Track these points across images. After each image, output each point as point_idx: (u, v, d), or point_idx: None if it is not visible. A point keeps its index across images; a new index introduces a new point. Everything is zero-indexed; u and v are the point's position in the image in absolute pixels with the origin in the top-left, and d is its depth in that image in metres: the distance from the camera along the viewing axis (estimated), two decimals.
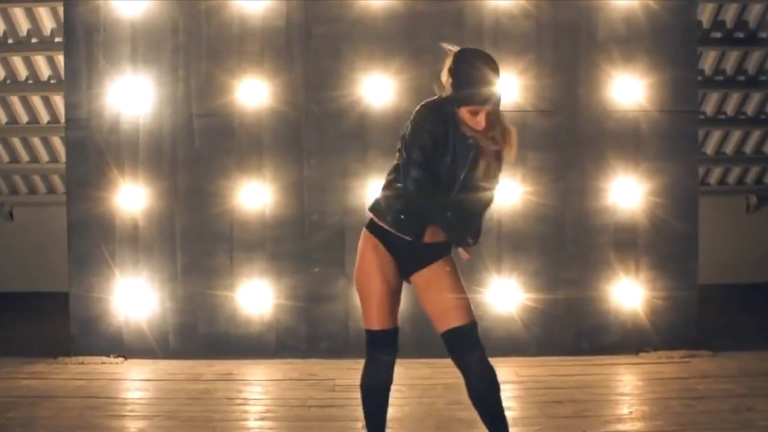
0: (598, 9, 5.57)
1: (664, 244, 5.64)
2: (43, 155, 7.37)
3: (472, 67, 3.22)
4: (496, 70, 3.25)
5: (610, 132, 5.60)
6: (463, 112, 3.22)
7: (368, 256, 3.36)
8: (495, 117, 3.25)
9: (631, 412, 4.52)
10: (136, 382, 5.26)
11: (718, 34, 6.98)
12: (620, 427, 4.29)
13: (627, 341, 5.62)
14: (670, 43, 5.60)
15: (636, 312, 5.62)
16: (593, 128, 5.61)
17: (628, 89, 5.57)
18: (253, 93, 5.57)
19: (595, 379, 5.16)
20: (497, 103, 3.25)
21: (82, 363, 5.55)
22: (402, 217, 3.32)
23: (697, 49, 5.82)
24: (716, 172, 7.78)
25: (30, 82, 7.02)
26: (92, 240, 5.61)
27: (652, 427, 4.30)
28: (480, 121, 3.21)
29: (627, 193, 5.60)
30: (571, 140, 5.61)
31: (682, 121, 5.63)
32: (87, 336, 5.63)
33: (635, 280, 5.63)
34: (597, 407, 4.62)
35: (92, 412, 4.59)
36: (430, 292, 3.38)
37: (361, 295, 3.40)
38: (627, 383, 5.15)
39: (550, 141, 5.57)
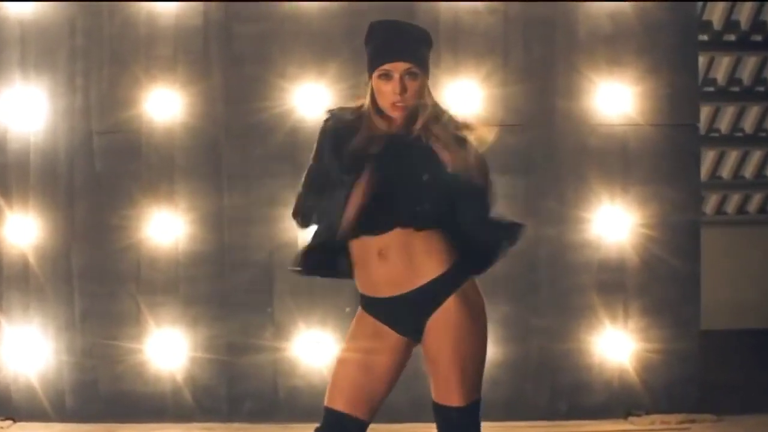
0: (578, 3, 4.69)
1: (658, 285, 4.78)
2: None
3: (377, 27, 2.70)
4: (414, 27, 2.74)
5: (592, 150, 4.75)
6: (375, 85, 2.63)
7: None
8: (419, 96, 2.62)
9: None
10: None
11: (732, 37, 6.09)
12: None
13: (614, 402, 4.78)
14: (665, 44, 4.75)
15: (624, 367, 4.77)
16: (572, 146, 4.75)
17: (614, 99, 4.71)
18: (164, 105, 4.75)
19: None
20: (418, 72, 2.61)
21: None
22: None
23: (697, 50, 4.91)
24: (734, 200, 6.83)
25: None
26: None
27: None
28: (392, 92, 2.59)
29: (613, 224, 4.73)
30: (545, 160, 4.76)
31: (681, 137, 4.78)
32: None
33: (623, 329, 4.78)
34: None
35: None
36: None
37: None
38: None
39: (519, 161, 4.72)
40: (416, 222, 2.58)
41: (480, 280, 4.69)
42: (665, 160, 4.76)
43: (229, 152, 4.77)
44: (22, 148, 4.79)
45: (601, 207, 4.73)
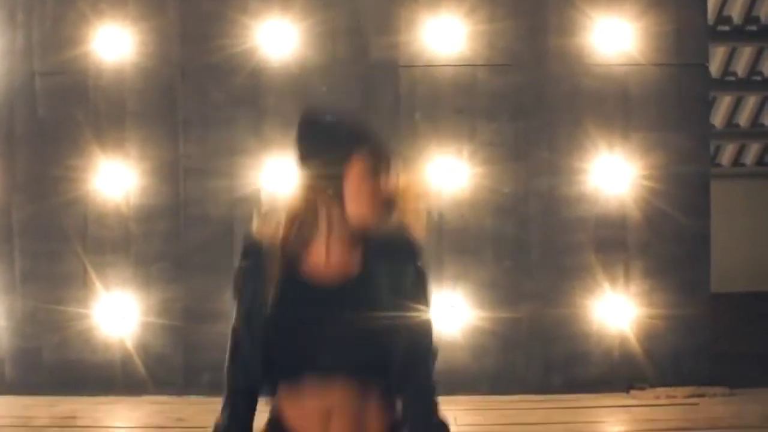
0: None
1: (663, 244, 4.37)
2: None
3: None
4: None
5: (589, 93, 4.34)
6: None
7: None
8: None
9: None
10: None
11: None
12: None
13: (614, 375, 4.39)
14: None
15: (625, 336, 4.37)
16: (566, 88, 4.34)
17: (612, 36, 4.28)
18: (114, 43, 4.34)
19: (571, 427, 3.95)
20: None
21: None
22: None
23: None
24: (753, 150, 6.41)
25: None
26: None
27: None
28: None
29: (613, 175, 4.30)
30: (536, 104, 4.35)
31: (688, 79, 4.35)
32: None
33: (624, 292, 4.37)
34: None
35: None
36: None
37: None
38: None
39: (507, 106, 4.31)
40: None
41: (466, 237, 4.33)
42: (671, 104, 4.33)
43: (185, 96, 4.37)
44: None
45: (598, 156, 4.31)
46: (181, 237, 4.37)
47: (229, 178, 4.32)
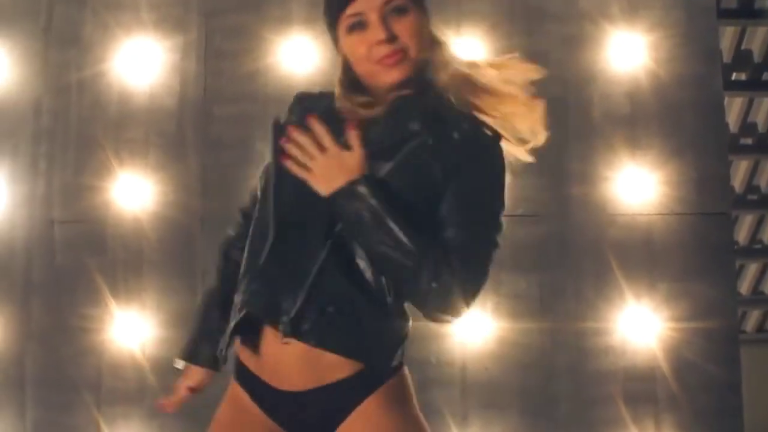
0: (592, 80, 4.43)
1: (694, 395, 4.32)
2: None
3: None
4: None
5: (613, 243, 4.37)
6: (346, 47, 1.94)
7: None
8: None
9: None
10: None
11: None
12: None
13: None
14: (689, 124, 4.43)
15: None
16: (591, 238, 4.39)
17: (636, 186, 4.36)
18: (134, 192, 4.44)
19: None
20: (407, 4, 1.89)
21: None
22: None
23: (726, 131, 4.61)
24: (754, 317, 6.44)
25: None
26: None
27: None
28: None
29: (640, 325, 4.30)
30: (560, 255, 4.38)
31: (712, 228, 4.39)
32: None
33: None
34: None
35: None
36: None
37: None
38: None
39: (532, 257, 4.35)
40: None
41: (491, 391, 4.34)
42: (695, 253, 4.37)
43: (205, 246, 4.42)
44: None
45: (625, 307, 4.33)
46: (199, 392, 4.38)
47: None
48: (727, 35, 5.66)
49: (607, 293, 4.35)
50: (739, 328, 4.50)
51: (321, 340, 1.92)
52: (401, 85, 1.90)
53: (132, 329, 4.37)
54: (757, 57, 5.75)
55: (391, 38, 1.85)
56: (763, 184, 5.89)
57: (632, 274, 4.36)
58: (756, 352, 6.40)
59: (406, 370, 2.08)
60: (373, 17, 1.85)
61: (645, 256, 4.38)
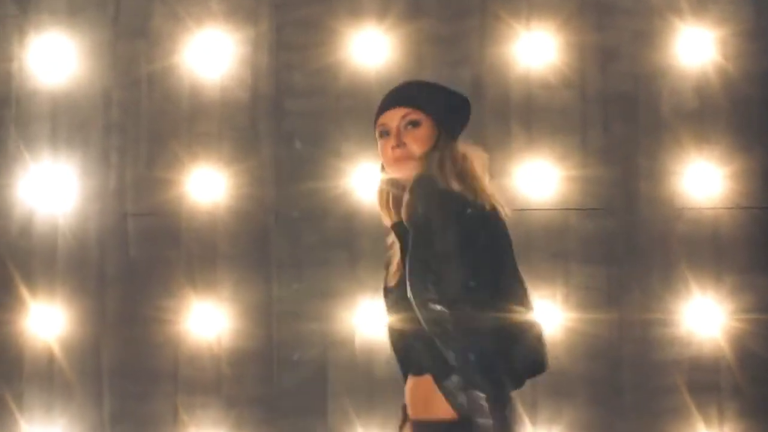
0: (661, 75, 4.51)
1: (756, 386, 4.49)
2: None
3: None
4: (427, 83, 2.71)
5: (680, 236, 4.50)
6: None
7: None
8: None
9: None
10: None
11: None
12: None
13: None
14: (756, 119, 4.53)
15: None
16: (658, 232, 4.51)
17: (702, 180, 4.47)
18: (207, 186, 4.52)
19: None
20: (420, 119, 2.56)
21: None
22: None
23: None
24: None
25: None
26: None
27: None
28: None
29: (706, 318, 4.45)
30: (628, 248, 4.51)
31: None
32: None
33: None
34: None
35: None
36: None
37: None
38: None
39: (600, 249, 4.48)
40: None
41: (560, 380, 4.48)
42: (761, 246, 4.50)
43: (279, 238, 4.53)
44: (50, 231, 4.57)
45: (691, 299, 4.47)
46: (273, 380, 4.52)
47: (322, 321, 4.49)
48: None
49: (674, 285, 4.48)
50: None
51: None
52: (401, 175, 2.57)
53: (208, 320, 4.49)
54: None
55: (401, 144, 2.51)
56: None
57: (698, 267, 4.49)
58: None
59: None
60: (392, 125, 2.55)
61: (711, 250, 4.50)
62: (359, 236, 4.50)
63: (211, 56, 4.55)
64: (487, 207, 2.49)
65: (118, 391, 4.53)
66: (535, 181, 4.44)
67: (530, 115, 4.49)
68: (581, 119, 4.51)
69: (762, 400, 4.50)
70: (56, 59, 4.60)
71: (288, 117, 4.54)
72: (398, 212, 2.55)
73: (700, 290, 4.47)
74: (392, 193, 2.59)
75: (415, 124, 2.52)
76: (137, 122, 4.58)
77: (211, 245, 4.54)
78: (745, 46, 4.51)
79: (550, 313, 4.40)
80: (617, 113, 4.53)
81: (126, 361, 4.54)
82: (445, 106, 2.56)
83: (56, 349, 4.54)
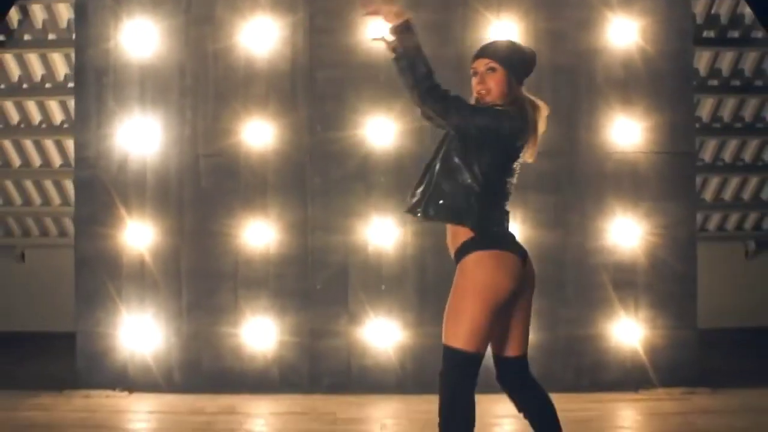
0: (597, 53, 6.03)
1: (663, 283, 6.06)
2: (56, 198, 7.91)
3: None
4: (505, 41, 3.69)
5: (609, 173, 6.06)
6: None
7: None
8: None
9: None
10: (139, 414, 5.67)
11: (715, 82, 7.51)
12: None
13: (627, 378, 6.03)
14: (667, 87, 6.07)
15: (635, 350, 6.03)
16: (593, 169, 6.07)
17: (626, 132, 6.01)
18: (259, 134, 6.04)
19: (595, 414, 5.53)
20: (496, 67, 3.47)
21: (87, 396, 5.96)
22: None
23: (693, 93, 6.26)
24: (715, 219, 8.27)
25: (43, 126, 7.66)
26: (99, 277, 6.07)
27: None
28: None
29: (626, 233, 6.02)
30: (571, 181, 6.06)
31: (680, 163, 6.07)
32: (93, 370, 6.05)
33: (635, 318, 6.04)
34: None
35: None
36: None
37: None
38: (627, 418, 5.54)
39: (550, 182, 6.01)
40: None
41: None
42: (668, 181, 6.05)
43: (312, 174, 6.06)
44: (140, 168, 6.09)
45: (616, 219, 6.04)
46: (308, 277, 6.06)
47: (344, 234, 6.03)
48: (700, 3, 7.24)
49: (603, 209, 6.04)
50: (696, 237, 6.17)
51: None
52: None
53: (260, 234, 6.04)
54: (723, 20, 7.36)
55: (482, 82, 3.49)
56: (725, 115, 7.59)
57: (622, 196, 6.04)
58: (716, 246, 8.28)
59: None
60: (479, 71, 3.52)
61: (631, 183, 6.05)
62: (372, 172, 6.03)
63: (260, 37, 6.05)
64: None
65: (193, 287, 6.07)
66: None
67: None
68: (537, 86, 6.01)
69: (667, 294, 6.07)
70: (143, 39, 6.09)
71: (318, 83, 6.06)
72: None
73: (623, 213, 6.04)
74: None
75: (493, 69, 3.43)
76: (205, 87, 6.08)
77: (261, 178, 6.07)
78: (660, 32, 6.03)
79: (514, 230, 5.96)
80: (564, 81, 6.06)
81: (198, 264, 6.07)
82: (516, 59, 3.47)
83: (146, 256, 6.06)
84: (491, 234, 3.47)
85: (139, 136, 6.07)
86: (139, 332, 6.06)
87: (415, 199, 3.54)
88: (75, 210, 6.24)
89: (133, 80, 6.09)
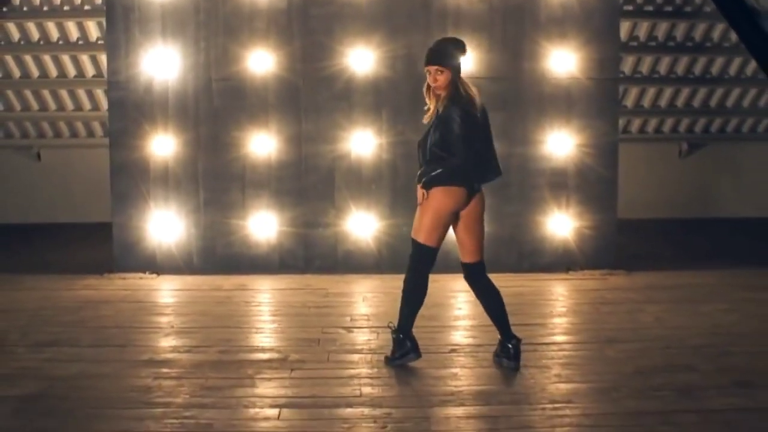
0: None
1: (589, 185, 7.49)
2: (87, 104, 9.40)
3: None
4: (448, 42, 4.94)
5: (547, 95, 7.42)
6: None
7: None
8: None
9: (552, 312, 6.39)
10: (170, 291, 7.10)
11: (650, 8, 8.87)
12: (544, 320, 6.13)
13: (559, 262, 7.51)
14: (596, 23, 7.39)
15: (566, 239, 7.50)
16: (534, 92, 7.42)
17: (562, 61, 7.36)
18: (261, 62, 7.33)
19: (532, 290, 7.00)
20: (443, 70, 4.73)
21: (124, 278, 7.39)
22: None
23: (619, 29, 7.61)
24: (652, 122, 9.71)
25: (80, 42, 8.99)
26: (131, 180, 7.41)
27: (566, 322, 6.13)
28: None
29: (560, 144, 7.42)
30: (516, 102, 7.41)
31: (606, 88, 7.45)
32: (127, 257, 7.46)
33: (566, 213, 7.49)
34: (531, 309, 6.46)
35: (143, 311, 6.41)
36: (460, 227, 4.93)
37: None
38: (555, 293, 7.02)
39: (499, 102, 7.35)
40: None
41: None
42: (595, 102, 7.43)
43: (306, 95, 7.38)
44: (163, 90, 7.38)
45: (552, 133, 7.44)
46: (302, 179, 7.45)
47: (331, 144, 7.38)
48: None
49: (542, 125, 7.44)
50: (617, 146, 7.57)
51: None
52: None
53: (263, 144, 7.41)
54: None
55: (435, 80, 4.79)
56: (640, 34, 9.04)
57: (557, 114, 7.43)
58: (653, 147, 9.74)
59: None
60: (431, 72, 4.79)
61: (566, 104, 7.44)
62: (354, 93, 7.37)
63: None
64: (474, 110, 4.91)
65: (209, 187, 7.44)
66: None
67: (459, 19, 7.32)
68: (490, 23, 7.36)
69: (593, 194, 7.50)
70: None
71: (311, 19, 7.33)
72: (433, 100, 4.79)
73: (558, 128, 7.45)
74: (431, 93, 4.77)
75: (441, 71, 4.69)
76: (216, 22, 7.34)
77: (264, 99, 7.40)
78: None
79: None
80: (511, 18, 7.37)
81: (213, 168, 7.42)
82: (456, 60, 4.68)
83: (170, 162, 7.42)
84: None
85: (162, 63, 7.33)
86: (165, 225, 7.45)
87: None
88: (109, 125, 7.55)
89: (156, 16, 7.33)
